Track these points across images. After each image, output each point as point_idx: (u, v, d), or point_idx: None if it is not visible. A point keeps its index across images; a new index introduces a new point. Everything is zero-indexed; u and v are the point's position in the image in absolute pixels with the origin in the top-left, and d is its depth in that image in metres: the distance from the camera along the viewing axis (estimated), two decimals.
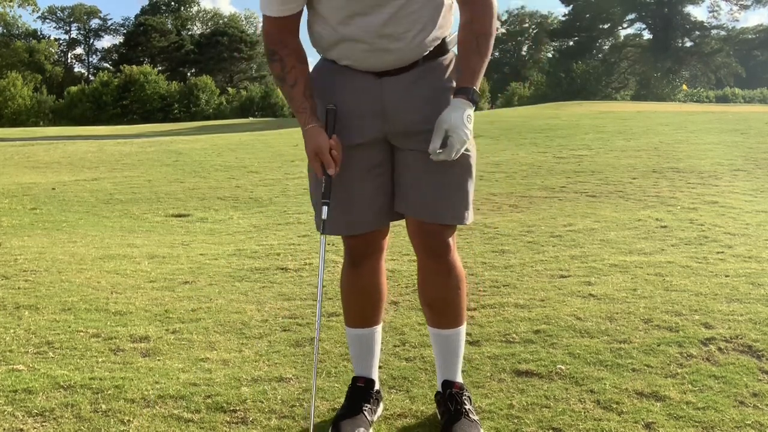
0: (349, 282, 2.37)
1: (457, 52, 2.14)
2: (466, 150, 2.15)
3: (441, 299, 2.29)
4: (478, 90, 2.08)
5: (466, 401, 2.29)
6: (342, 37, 2.11)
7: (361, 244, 2.29)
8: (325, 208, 2.12)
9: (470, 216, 2.23)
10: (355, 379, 2.41)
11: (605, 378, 2.62)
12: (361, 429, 2.23)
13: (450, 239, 2.23)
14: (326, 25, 2.13)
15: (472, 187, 2.23)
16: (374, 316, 2.40)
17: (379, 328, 2.43)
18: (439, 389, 2.37)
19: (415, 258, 2.33)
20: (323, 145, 2.08)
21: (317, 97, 2.16)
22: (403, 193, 2.21)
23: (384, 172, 2.22)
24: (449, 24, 2.19)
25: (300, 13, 2.15)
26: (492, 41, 2.10)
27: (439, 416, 2.35)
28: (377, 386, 2.42)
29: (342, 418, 2.26)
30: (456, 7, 2.16)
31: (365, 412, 2.29)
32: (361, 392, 2.35)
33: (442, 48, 2.18)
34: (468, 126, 2.04)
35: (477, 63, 2.08)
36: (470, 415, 2.25)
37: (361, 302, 2.38)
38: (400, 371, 2.74)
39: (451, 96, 2.12)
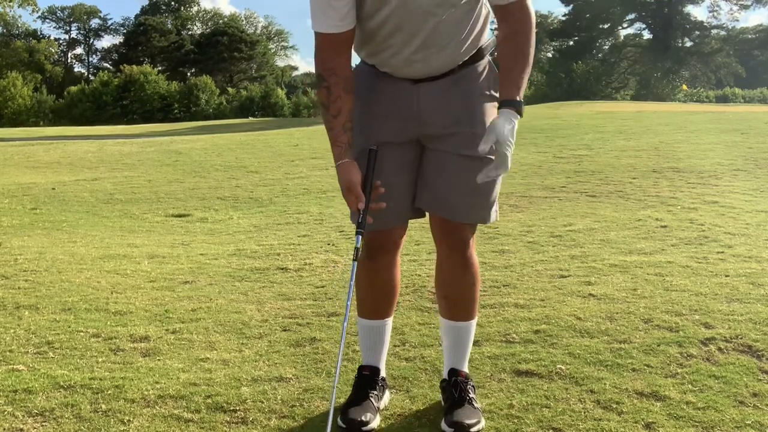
0: (364, 275, 2.42)
1: (499, 63, 2.17)
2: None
3: (457, 291, 2.39)
4: (522, 100, 2.14)
5: (470, 390, 2.37)
6: (384, 48, 2.19)
7: (381, 238, 2.36)
8: (359, 237, 2.15)
9: (494, 216, 2.34)
10: (360, 368, 2.47)
11: (605, 378, 2.62)
12: (369, 414, 2.29)
13: (471, 236, 2.34)
14: (370, 36, 2.19)
15: (498, 189, 2.32)
16: (387, 308, 2.48)
17: (389, 320, 2.51)
18: (445, 376, 2.44)
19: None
20: (355, 180, 2.13)
21: (356, 97, 2.21)
22: (429, 191, 2.28)
23: (412, 171, 2.31)
24: (485, 33, 2.26)
25: (354, 29, 2.15)
26: (533, 51, 2.15)
27: (443, 402, 2.41)
28: (383, 374, 2.48)
29: (349, 405, 2.33)
30: (491, 15, 2.24)
31: (372, 399, 2.36)
32: (366, 380, 2.42)
33: (477, 55, 2.26)
34: (513, 140, 2.13)
35: (520, 73, 2.13)
36: (473, 403, 2.32)
37: (375, 295, 2.45)
38: (400, 371, 2.74)
39: (487, 103, 2.24)
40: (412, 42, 2.14)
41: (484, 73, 2.29)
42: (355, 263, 2.17)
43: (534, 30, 2.15)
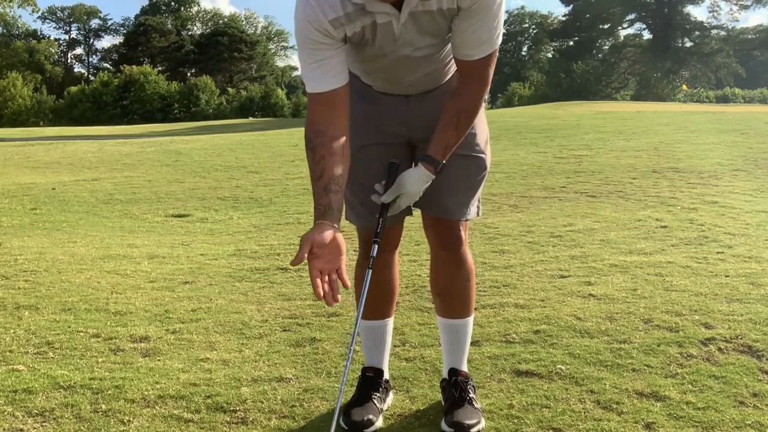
0: (363, 275, 2.40)
1: (441, 115, 2.15)
2: (482, 153, 2.31)
3: (452, 288, 2.40)
4: (444, 162, 2.15)
5: (470, 390, 2.37)
6: (379, 83, 2.26)
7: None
8: (375, 247, 2.16)
9: (472, 212, 2.37)
10: (364, 370, 2.48)
11: (605, 378, 2.62)
12: (371, 416, 2.29)
13: (463, 233, 2.36)
14: (366, 71, 2.24)
15: (482, 186, 2.36)
16: (386, 308, 2.49)
17: (390, 320, 2.52)
18: (445, 376, 2.45)
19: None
20: (322, 242, 1.94)
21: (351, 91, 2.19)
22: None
23: (404, 171, 2.30)
24: None
25: (348, 84, 2.09)
26: (473, 120, 2.16)
27: (443, 402, 2.42)
28: (386, 376, 2.49)
29: (352, 406, 2.33)
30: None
31: (375, 400, 2.37)
32: (370, 381, 2.43)
33: None
34: (418, 196, 2.17)
35: (452, 138, 2.13)
36: (473, 403, 2.33)
37: (374, 295, 2.42)
38: (400, 371, 2.74)
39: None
40: (405, 79, 2.19)
41: None
42: (370, 271, 2.17)
43: (482, 98, 2.14)
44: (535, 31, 74.19)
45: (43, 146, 15.47)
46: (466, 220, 2.37)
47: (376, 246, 2.16)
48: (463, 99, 2.11)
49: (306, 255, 1.91)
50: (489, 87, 2.15)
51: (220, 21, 74.88)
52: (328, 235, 1.94)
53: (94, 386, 2.61)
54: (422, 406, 2.47)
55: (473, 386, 2.41)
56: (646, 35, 59.12)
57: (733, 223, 5.30)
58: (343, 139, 2.06)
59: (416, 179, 2.14)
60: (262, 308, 3.61)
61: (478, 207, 2.41)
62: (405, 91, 2.26)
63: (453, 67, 2.25)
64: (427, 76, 2.21)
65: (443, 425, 2.28)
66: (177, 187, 9.10)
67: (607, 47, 60.63)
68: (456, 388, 2.36)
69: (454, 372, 2.42)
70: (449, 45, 2.14)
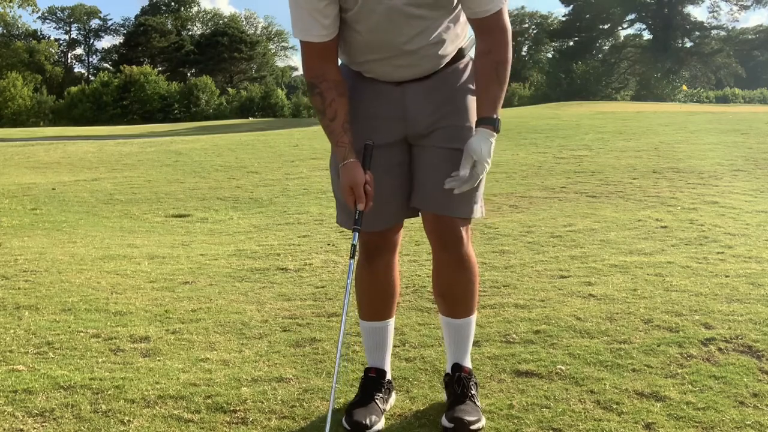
0: (363, 277, 2.44)
1: (475, 79, 2.20)
2: None
3: (454, 289, 2.39)
4: (500, 117, 2.17)
5: (472, 386, 2.38)
6: (371, 58, 2.22)
7: (377, 239, 2.37)
8: (356, 234, 2.17)
9: (478, 211, 2.34)
10: (366, 370, 2.48)
11: (605, 378, 2.62)
12: (374, 417, 2.29)
13: (464, 232, 2.33)
14: (356, 46, 2.21)
15: (483, 183, 2.33)
16: (387, 309, 2.48)
17: (392, 321, 2.52)
18: (448, 371, 2.45)
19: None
20: (359, 181, 2.13)
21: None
22: (419, 189, 2.30)
23: (403, 172, 2.31)
24: (465, 34, 2.30)
25: (338, 36, 2.18)
26: (509, 68, 2.19)
27: (446, 397, 2.42)
28: (389, 376, 2.49)
29: (355, 407, 2.34)
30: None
31: (377, 401, 2.37)
32: (372, 382, 2.43)
33: (459, 54, 2.29)
34: (489, 159, 2.17)
35: (497, 91, 2.17)
36: (475, 400, 2.34)
37: (375, 297, 2.45)
38: (400, 371, 2.74)
39: (470, 96, 2.25)
40: (399, 49, 2.16)
41: (468, 70, 2.33)
42: (353, 261, 2.19)
43: (510, 45, 2.19)
44: (535, 31, 74.16)
45: (43, 146, 15.46)
46: (467, 218, 2.34)
47: (357, 234, 2.17)
48: (494, 52, 2.15)
49: (357, 197, 2.12)
50: (511, 37, 2.19)
51: (220, 21, 74.90)
52: (359, 172, 2.12)
53: (94, 386, 2.61)
54: (422, 406, 2.47)
55: (476, 383, 2.42)
56: (646, 35, 59.17)
57: (733, 223, 5.30)
58: (343, 83, 2.19)
59: (481, 142, 2.13)
60: (262, 308, 3.61)
61: (481, 207, 2.37)
62: (398, 74, 2.23)
63: (448, 57, 2.24)
64: (419, 52, 2.17)
65: (443, 420, 2.28)
66: (177, 187, 9.10)
67: (607, 47, 60.64)
68: (459, 384, 2.36)
69: (457, 367, 2.42)
70: (444, 23, 2.15)
